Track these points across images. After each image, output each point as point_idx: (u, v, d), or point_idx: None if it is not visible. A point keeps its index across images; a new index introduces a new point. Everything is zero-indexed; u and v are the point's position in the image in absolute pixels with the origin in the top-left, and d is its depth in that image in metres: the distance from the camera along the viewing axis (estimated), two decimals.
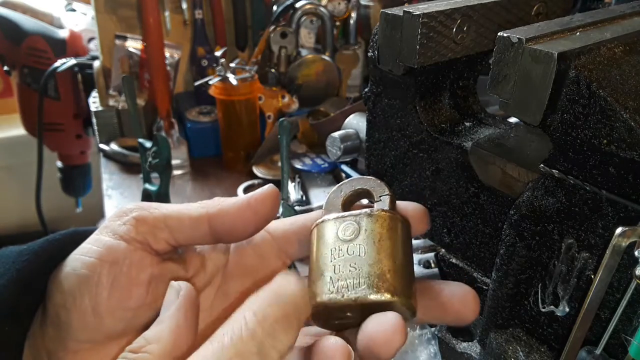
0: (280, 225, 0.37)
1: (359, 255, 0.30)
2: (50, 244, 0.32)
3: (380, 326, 0.28)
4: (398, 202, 0.34)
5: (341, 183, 0.36)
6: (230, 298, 0.36)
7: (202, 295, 0.35)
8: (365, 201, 0.36)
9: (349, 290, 0.28)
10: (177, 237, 0.32)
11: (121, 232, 0.31)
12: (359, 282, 0.29)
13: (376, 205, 0.33)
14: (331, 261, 0.30)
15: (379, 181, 0.35)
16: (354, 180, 0.35)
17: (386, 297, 0.28)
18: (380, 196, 0.34)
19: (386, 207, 0.33)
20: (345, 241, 0.31)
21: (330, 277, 0.29)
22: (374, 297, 0.28)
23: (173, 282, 0.30)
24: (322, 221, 0.32)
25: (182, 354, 0.27)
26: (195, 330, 0.29)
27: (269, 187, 0.33)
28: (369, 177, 0.35)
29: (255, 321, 0.25)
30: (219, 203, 0.33)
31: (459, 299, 0.33)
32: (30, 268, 0.30)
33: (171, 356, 0.27)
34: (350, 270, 0.29)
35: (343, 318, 0.30)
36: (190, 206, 0.33)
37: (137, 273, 0.31)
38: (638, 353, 0.28)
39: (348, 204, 0.35)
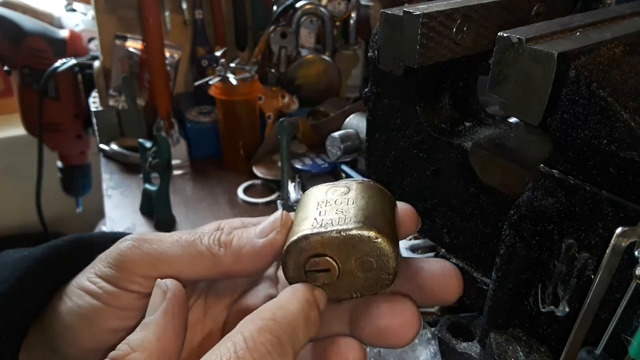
0: None
1: (347, 204, 0.29)
2: (52, 250, 0.32)
3: (394, 313, 0.28)
4: None
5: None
6: (221, 310, 0.34)
7: (191, 309, 0.33)
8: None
9: (333, 225, 0.27)
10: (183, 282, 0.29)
11: (122, 284, 0.29)
12: (345, 220, 0.27)
13: None
14: (317, 208, 0.29)
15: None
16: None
17: (372, 234, 0.27)
18: None
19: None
20: (334, 198, 0.30)
21: (315, 218, 0.28)
22: (359, 232, 0.27)
23: (159, 281, 0.28)
24: (314, 187, 0.31)
25: None
26: (183, 336, 0.27)
27: (284, 216, 0.30)
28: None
29: (245, 349, 0.23)
30: (235, 248, 0.29)
31: (438, 282, 0.31)
32: (31, 276, 0.30)
33: None
34: (336, 213, 0.28)
35: (319, 264, 0.28)
36: (202, 255, 0.29)
37: (140, 315, 0.29)
38: (638, 353, 0.28)
39: None
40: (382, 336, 0.29)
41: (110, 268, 0.28)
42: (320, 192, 0.31)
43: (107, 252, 0.29)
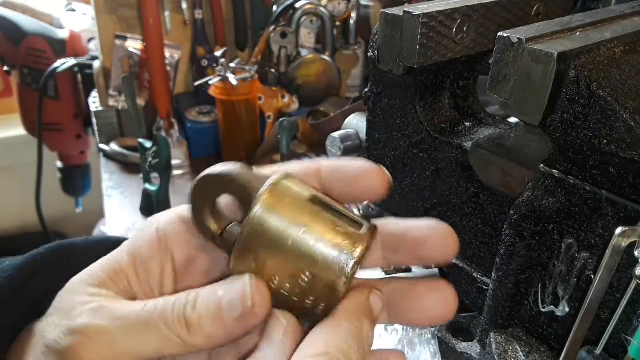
0: None
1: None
2: (34, 259, 0.31)
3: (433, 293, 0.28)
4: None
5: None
6: None
7: None
8: None
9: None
10: None
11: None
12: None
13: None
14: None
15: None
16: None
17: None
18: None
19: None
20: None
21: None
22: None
23: (278, 313, 0.26)
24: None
25: None
26: None
27: (253, 289, 0.26)
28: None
29: None
30: (204, 328, 0.26)
31: (431, 243, 0.29)
32: (11, 286, 0.30)
33: None
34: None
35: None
36: (167, 339, 0.26)
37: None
38: (638, 353, 0.28)
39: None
40: (423, 316, 0.29)
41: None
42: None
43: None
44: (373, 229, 0.27)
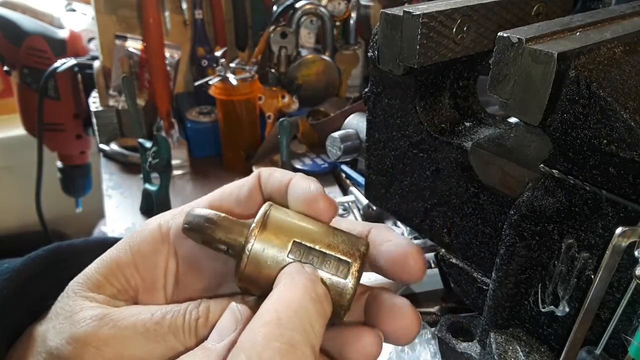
0: None
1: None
2: (33, 261, 0.31)
3: (396, 316, 0.28)
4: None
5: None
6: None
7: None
8: None
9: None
10: None
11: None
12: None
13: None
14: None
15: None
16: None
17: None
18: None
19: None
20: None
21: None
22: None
23: (233, 305, 0.26)
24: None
25: None
26: None
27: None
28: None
29: None
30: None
31: (399, 264, 0.29)
32: (11, 288, 0.30)
33: None
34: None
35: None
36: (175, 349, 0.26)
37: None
38: (638, 353, 0.28)
39: None
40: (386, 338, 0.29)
41: None
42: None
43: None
44: (359, 267, 0.27)
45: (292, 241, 0.27)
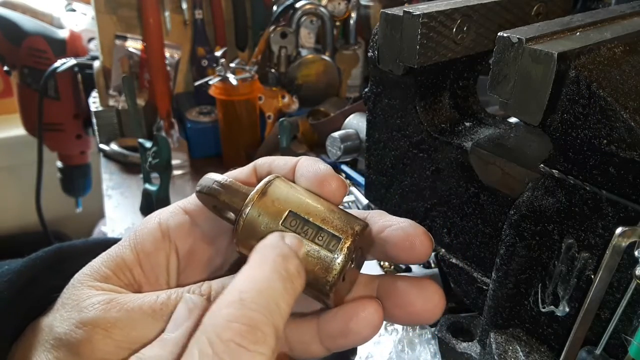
0: None
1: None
2: (33, 263, 0.31)
3: (423, 297, 0.28)
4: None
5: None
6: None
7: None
8: None
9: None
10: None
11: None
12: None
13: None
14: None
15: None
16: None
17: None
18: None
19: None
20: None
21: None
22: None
23: (187, 296, 0.27)
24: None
25: None
26: None
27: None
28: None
29: (211, 355, 0.20)
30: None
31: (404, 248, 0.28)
32: (11, 290, 0.29)
33: None
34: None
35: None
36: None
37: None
38: (638, 353, 0.28)
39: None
40: (411, 318, 0.29)
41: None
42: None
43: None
44: (354, 240, 0.27)
45: (287, 211, 0.28)
